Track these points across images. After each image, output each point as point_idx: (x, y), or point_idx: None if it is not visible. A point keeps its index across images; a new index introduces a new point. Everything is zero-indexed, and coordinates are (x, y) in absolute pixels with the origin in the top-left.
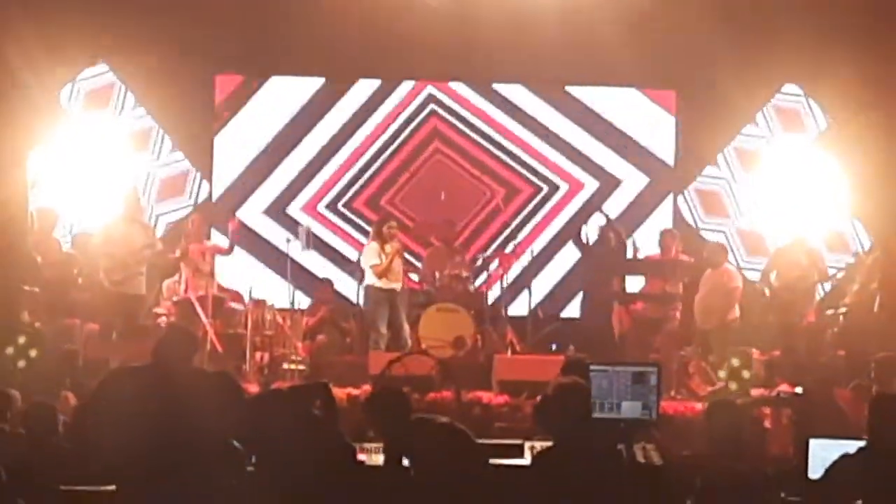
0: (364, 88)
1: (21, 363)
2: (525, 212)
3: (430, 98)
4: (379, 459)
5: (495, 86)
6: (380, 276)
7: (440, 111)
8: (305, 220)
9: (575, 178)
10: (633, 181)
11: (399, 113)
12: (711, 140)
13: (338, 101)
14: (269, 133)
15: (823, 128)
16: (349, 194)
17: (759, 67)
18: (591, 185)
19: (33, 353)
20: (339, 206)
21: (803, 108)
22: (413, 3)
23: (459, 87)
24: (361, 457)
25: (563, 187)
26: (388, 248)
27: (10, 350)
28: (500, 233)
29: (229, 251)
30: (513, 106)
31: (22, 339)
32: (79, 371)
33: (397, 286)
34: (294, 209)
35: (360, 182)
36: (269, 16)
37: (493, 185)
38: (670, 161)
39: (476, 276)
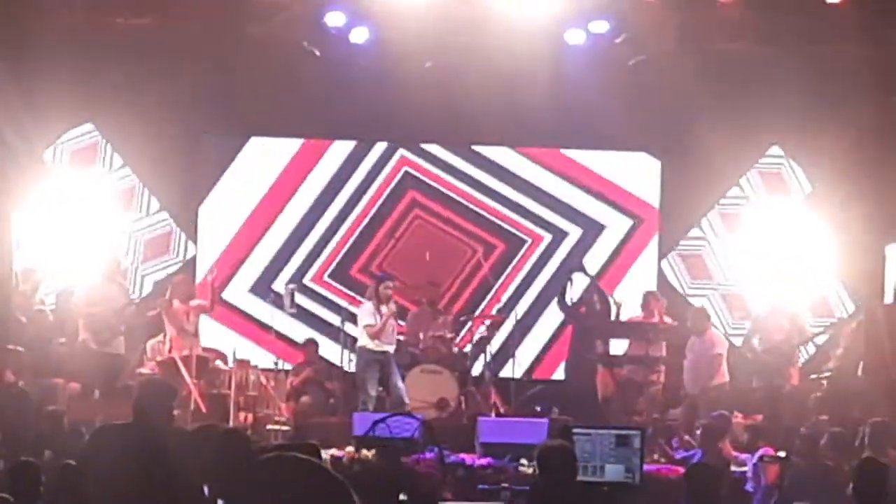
0: (342, 150)
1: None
2: (510, 267)
3: (404, 161)
4: None
5: (476, 147)
6: (373, 337)
7: (415, 173)
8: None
9: (558, 227)
10: (616, 228)
11: (374, 178)
12: (696, 203)
13: (317, 163)
14: (252, 198)
15: (808, 191)
16: (333, 265)
17: (744, 131)
18: (574, 232)
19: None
20: (326, 277)
21: (787, 171)
22: (401, 65)
23: (432, 148)
24: None
25: (546, 238)
26: (383, 308)
27: None
28: (483, 291)
29: (211, 306)
30: (490, 162)
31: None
32: (63, 431)
33: (390, 348)
34: (279, 285)
35: (344, 253)
36: (253, 77)
37: (473, 243)
38: (654, 218)
39: (459, 338)
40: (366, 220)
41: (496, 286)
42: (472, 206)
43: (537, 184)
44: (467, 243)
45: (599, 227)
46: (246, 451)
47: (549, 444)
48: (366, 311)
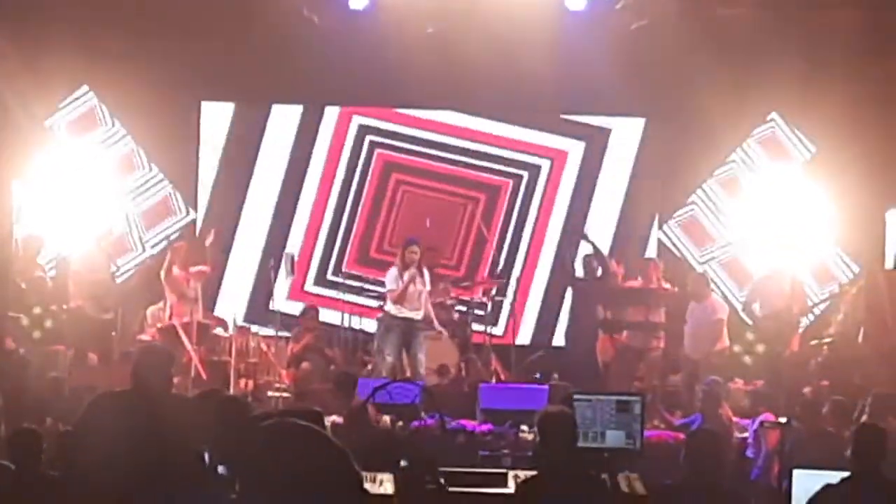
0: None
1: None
2: (515, 207)
3: (365, 129)
4: (388, 489)
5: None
6: (395, 301)
7: (380, 139)
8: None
9: (558, 149)
10: (622, 140)
11: (355, 163)
12: (696, 168)
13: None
14: (250, 167)
15: (808, 157)
16: (333, 262)
17: (745, 96)
18: (576, 149)
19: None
20: (328, 276)
21: (787, 138)
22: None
23: (384, 124)
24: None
25: (546, 164)
26: (405, 274)
27: None
28: (480, 251)
29: (210, 269)
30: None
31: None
32: (64, 398)
33: (414, 315)
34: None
35: (338, 246)
36: (252, 42)
37: (462, 202)
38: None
39: (461, 303)
40: (368, 206)
41: (493, 244)
42: (441, 167)
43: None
44: (457, 202)
45: (604, 140)
46: (246, 417)
47: (549, 411)
48: (390, 276)
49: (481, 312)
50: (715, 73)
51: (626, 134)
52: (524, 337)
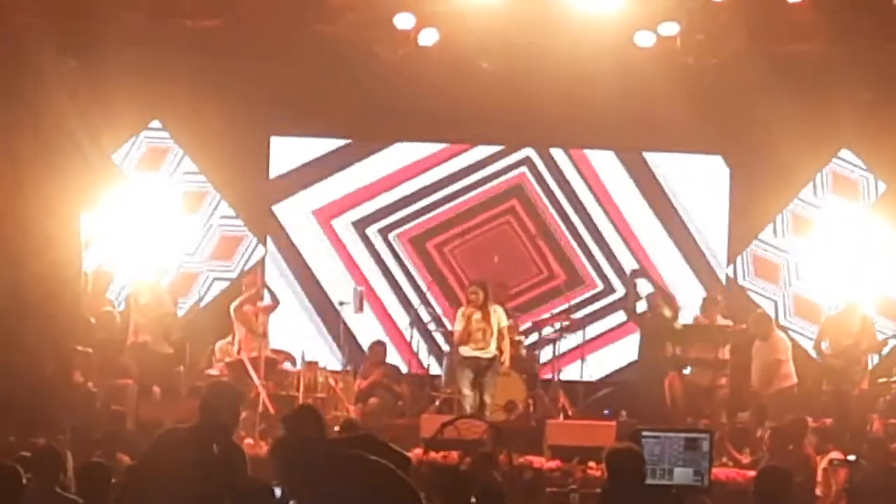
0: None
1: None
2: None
3: (530, 166)
4: None
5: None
6: (459, 343)
7: (532, 183)
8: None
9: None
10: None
11: (494, 175)
12: (766, 205)
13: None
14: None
15: (878, 194)
16: (418, 232)
17: (815, 133)
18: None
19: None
20: (386, 232)
21: (859, 175)
22: (468, 67)
23: (557, 155)
24: None
25: (620, 291)
26: (471, 314)
27: None
28: (550, 294)
29: (276, 304)
30: (590, 177)
31: None
32: (129, 432)
33: (480, 354)
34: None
35: (433, 226)
36: (323, 78)
37: (555, 266)
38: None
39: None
40: (462, 203)
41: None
42: (558, 234)
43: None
44: (500, 224)
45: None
46: (318, 453)
47: (617, 447)
48: (457, 316)
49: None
50: (785, 109)
51: (699, 170)
52: (592, 371)
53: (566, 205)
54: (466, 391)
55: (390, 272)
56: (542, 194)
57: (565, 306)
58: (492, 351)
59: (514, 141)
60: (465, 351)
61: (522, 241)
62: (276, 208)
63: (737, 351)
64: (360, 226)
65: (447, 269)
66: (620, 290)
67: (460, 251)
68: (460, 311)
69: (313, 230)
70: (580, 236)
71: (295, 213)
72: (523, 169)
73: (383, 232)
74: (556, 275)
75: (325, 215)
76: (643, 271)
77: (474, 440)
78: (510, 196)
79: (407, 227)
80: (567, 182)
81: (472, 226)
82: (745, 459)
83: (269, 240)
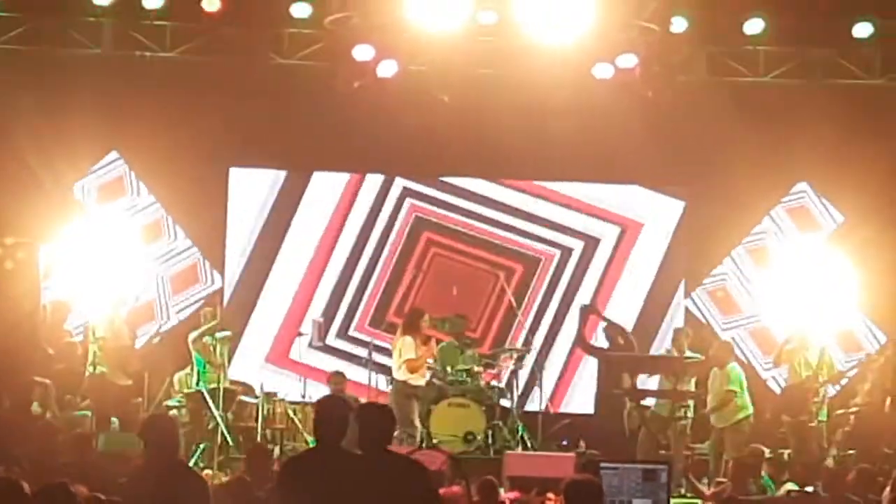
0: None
1: None
2: (530, 289)
3: (413, 207)
4: None
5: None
6: (412, 371)
7: (425, 216)
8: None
9: (563, 244)
10: (608, 239)
11: (392, 224)
12: (724, 237)
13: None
14: (279, 233)
15: (835, 226)
16: (371, 313)
17: (773, 165)
18: (577, 247)
19: None
20: (367, 325)
21: (816, 207)
22: (427, 98)
23: (430, 190)
24: None
25: (556, 254)
26: (423, 345)
27: None
28: (509, 321)
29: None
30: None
31: None
32: (91, 462)
33: (422, 382)
34: (307, 326)
35: (378, 299)
36: (280, 111)
37: (494, 270)
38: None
39: (488, 371)
40: (391, 265)
41: (520, 313)
42: (482, 236)
43: (533, 209)
44: (488, 271)
45: (595, 241)
46: None
47: (576, 479)
48: (408, 345)
49: (508, 380)
50: (743, 141)
51: (659, 210)
52: (550, 405)
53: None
54: (417, 423)
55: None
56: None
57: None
58: (425, 381)
59: (470, 172)
60: (414, 379)
61: (490, 295)
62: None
63: (700, 383)
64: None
65: (414, 264)
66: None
67: (419, 301)
68: (411, 339)
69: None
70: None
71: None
72: (407, 208)
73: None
74: (485, 342)
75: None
76: (594, 307)
77: (433, 472)
78: (419, 232)
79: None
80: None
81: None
82: (707, 491)
83: (226, 267)
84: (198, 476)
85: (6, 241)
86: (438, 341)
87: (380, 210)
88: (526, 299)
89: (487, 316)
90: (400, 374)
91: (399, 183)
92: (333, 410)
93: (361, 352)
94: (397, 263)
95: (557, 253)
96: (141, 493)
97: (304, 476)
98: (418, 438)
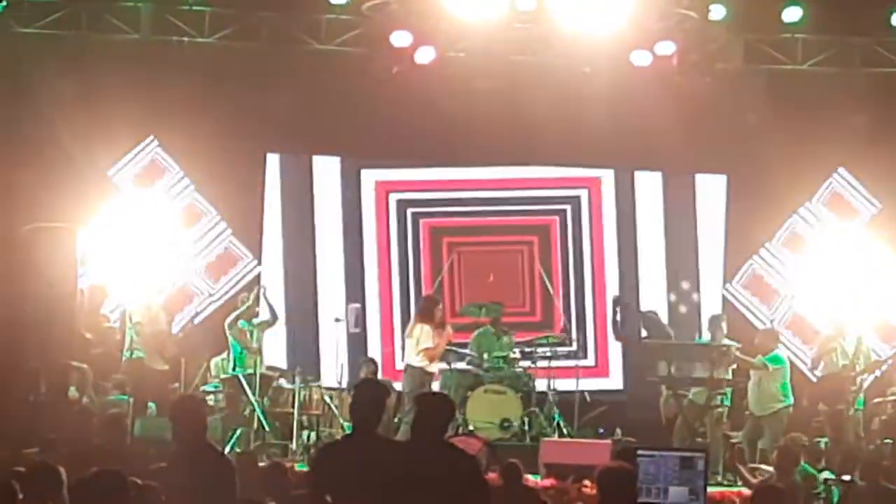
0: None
1: None
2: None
3: (404, 203)
4: None
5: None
6: (431, 359)
7: (421, 209)
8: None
9: (591, 177)
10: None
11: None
12: (761, 225)
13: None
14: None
15: (873, 213)
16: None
17: (811, 152)
18: (608, 176)
19: None
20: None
21: (853, 194)
22: (464, 85)
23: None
24: None
25: (584, 194)
26: (440, 333)
27: None
28: (545, 306)
29: (274, 320)
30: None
31: None
32: (126, 447)
33: (436, 370)
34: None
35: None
36: (319, 96)
37: (523, 238)
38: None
39: (524, 358)
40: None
41: (550, 287)
42: (491, 224)
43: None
44: (512, 251)
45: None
46: None
47: (610, 466)
48: (426, 334)
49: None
50: (780, 128)
51: (695, 189)
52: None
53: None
54: None
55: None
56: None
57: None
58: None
59: (508, 160)
60: (430, 367)
61: (522, 271)
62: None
63: (738, 370)
64: (403, 205)
65: (447, 269)
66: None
67: (465, 258)
68: (428, 327)
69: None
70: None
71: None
72: (558, 215)
73: (416, 216)
74: (535, 313)
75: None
76: (623, 298)
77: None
78: (534, 232)
79: (436, 218)
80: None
81: (485, 240)
82: (753, 479)
83: (262, 256)
84: (225, 459)
85: (37, 225)
86: (471, 326)
87: (405, 236)
88: (560, 271)
89: (528, 291)
90: (416, 360)
91: (394, 197)
92: (373, 393)
93: None
94: (434, 273)
95: (568, 208)
96: (175, 479)
97: (337, 463)
98: None
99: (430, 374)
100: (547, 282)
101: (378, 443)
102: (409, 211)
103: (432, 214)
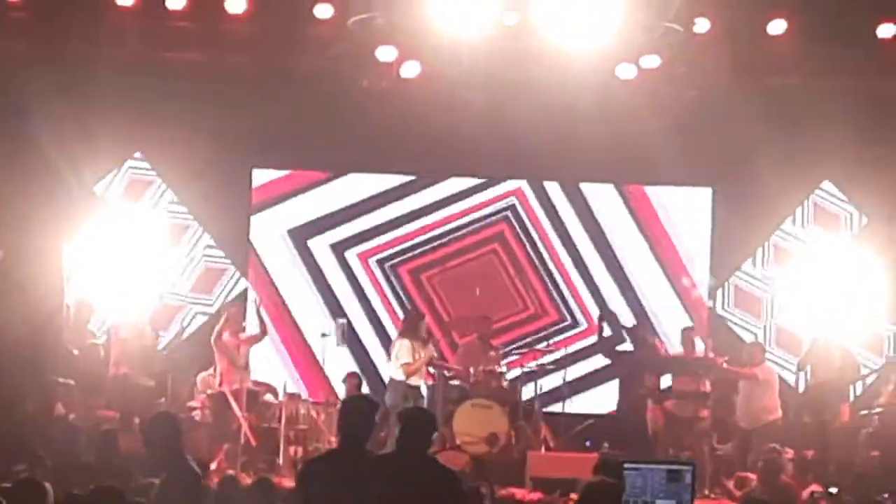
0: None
1: None
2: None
3: (519, 192)
4: None
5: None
6: (409, 375)
7: (522, 211)
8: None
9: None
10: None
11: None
12: (747, 237)
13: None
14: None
15: (861, 226)
16: (400, 258)
17: (797, 164)
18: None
19: None
20: (387, 265)
21: (840, 207)
22: (450, 99)
23: (552, 190)
24: None
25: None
26: (421, 349)
27: None
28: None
29: (262, 335)
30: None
31: None
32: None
33: (421, 383)
34: (327, 325)
35: (413, 250)
36: (305, 111)
37: (528, 300)
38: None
39: (510, 371)
40: (445, 227)
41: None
42: (551, 269)
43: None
44: (524, 298)
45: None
46: None
47: (593, 481)
48: (404, 349)
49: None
50: (767, 141)
51: (680, 202)
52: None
53: (553, 237)
54: None
55: (367, 300)
56: (528, 227)
57: (542, 344)
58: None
59: (494, 173)
60: (412, 381)
61: (507, 275)
62: (251, 236)
63: (720, 382)
64: (339, 248)
65: (436, 303)
66: (583, 324)
67: (445, 281)
68: (409, 343)
69: (288, 253)
70: (556, 271)
71: (270, 233)
72: (511, 200)
73: (361, 256)
74: (529, 308)
75: (302, 236)
76: (608, 314)
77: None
78: (494, 241)
79: (368, 245)
80: (557, 215)
81: (457, 263)
82: (737, 492)
83: (249, 271)
84: (194, 472)
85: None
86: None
87: (392, 285)
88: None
89: (524, 291)
90: (397, 374)
91: (373, 260)
92: (360, 409)
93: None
94: (454, 229)
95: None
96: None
97: (323, 477)
98: None
99: (415, 388)
100: (520, 279)
101: (363, 457)
102: (387, 266)
103: (405, 261)
